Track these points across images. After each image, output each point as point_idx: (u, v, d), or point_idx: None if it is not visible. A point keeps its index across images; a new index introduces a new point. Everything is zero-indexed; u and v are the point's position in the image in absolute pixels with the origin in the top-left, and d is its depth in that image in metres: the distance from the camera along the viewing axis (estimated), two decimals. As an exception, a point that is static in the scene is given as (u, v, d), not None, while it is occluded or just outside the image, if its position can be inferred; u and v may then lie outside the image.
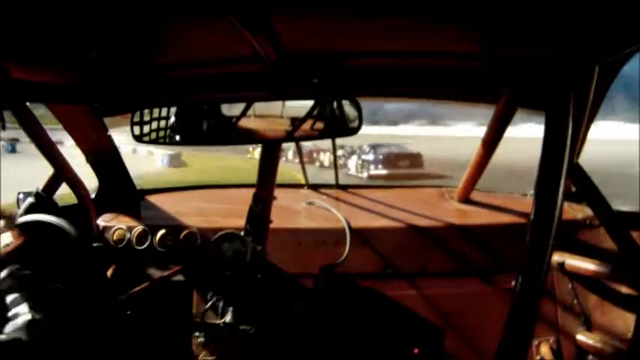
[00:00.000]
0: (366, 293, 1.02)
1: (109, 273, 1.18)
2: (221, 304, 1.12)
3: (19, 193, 1.30)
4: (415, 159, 10.52)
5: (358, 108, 0.87)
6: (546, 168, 0.77)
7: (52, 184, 1.21)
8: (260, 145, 1.16)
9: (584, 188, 1.04)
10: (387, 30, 0.74)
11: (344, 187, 1.58)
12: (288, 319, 1.04)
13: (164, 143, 0.93)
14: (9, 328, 0.76)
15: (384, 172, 10.00)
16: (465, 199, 1.37)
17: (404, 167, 9.96)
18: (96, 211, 1.29)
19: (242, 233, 1.12)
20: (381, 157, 10.35)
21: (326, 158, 9.66)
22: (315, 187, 1.57)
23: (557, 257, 1.06)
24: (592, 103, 0.92)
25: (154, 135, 0.92)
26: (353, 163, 10.48)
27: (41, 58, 0.85)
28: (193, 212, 1.36)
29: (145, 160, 11.82)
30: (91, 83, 1.07)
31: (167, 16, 0.66)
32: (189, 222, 1.28)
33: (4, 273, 0.83)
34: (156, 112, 0.92)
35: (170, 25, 0.71)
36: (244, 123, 0.88)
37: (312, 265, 1.15)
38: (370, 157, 10.33)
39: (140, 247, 1.26)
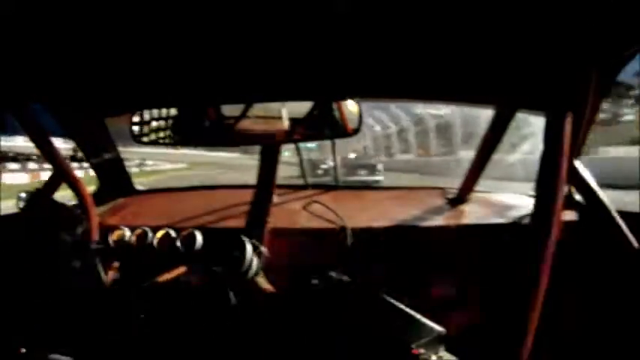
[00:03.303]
0: (365, 293, 1.02)
1: (110, 274, 1.18)
2: (221, 305, 1.13)
3: (19, 193, 1.30)
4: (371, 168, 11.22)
5: (358, 109, 0.87)
6: (546, 168, 0.77)
7: (51, 184, 1.22)
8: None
9: (584, 189, 1.04)
10: (387, 30, 0.74)
11: (344, 188, 1.58)
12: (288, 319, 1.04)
13: (163, 144, 0.93)
14: None
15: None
16: (465, 199, 1.37)
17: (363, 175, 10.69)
18: (95, 211, 1.29)
19: (242, 233, 1.12)
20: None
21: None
22: (315, 188, 1.57)
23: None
24: (592, 104, 0.92)
25: (153, 136, 0.92)
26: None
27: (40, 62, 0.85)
28: (194, 212, 1.36)
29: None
30: (91, 84, 1.08)
31: (167, 16, 0.66)
32: (189, 222, 1.28)
33: None
34: (156, 113, 0.92)
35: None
36: (244, 124, 0.88)
37: (311, 266, 1.15)
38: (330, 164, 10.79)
39: (140, 248, 1.26)
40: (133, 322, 1.14)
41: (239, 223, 1.14)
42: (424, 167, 12.97)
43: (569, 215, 1.20)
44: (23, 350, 0.89)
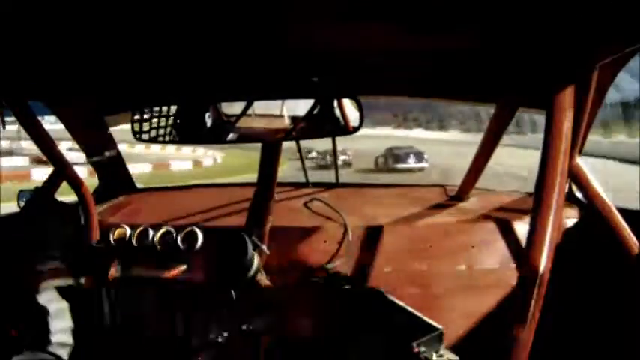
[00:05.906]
0: (366, 292, 1.02)
1: (110, 273, 1.18)
2: (222, 305, 1.13)
3: (19, 192, 1.30)
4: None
5: (359, 107, 0.87)
6: (547, 167, 0.77)
7: (52, 182, 1.22)
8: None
9: (584, 187, 1.04)
10: (387, 29, 0.74)
11: (344, 186, 1.58)
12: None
13: (163, 142, 0.93)
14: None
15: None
16: (466, 197, 1.37)
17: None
18: (96, 209, 1.29)
19: (243, 232, 1.12)
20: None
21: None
22: (316, 186, 1.57)
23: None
24: (592, 103, 0.92)
25: (153, 133, 0.92)
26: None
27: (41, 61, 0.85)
28: (194, 210, 1.36)
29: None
30: (91, 83, 1.07)
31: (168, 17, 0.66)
32: (190, 220, 1.28)
33: None
34: (156, 110, 0.92)
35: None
36: (244, 122, 0.88)
37: (312, 264, 1.15)
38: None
39: (141, 246, 1.26)
40: (133, 320, 1.14)
41: (240, 221, 1.15)
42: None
43: (570, 213, 1.20)
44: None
